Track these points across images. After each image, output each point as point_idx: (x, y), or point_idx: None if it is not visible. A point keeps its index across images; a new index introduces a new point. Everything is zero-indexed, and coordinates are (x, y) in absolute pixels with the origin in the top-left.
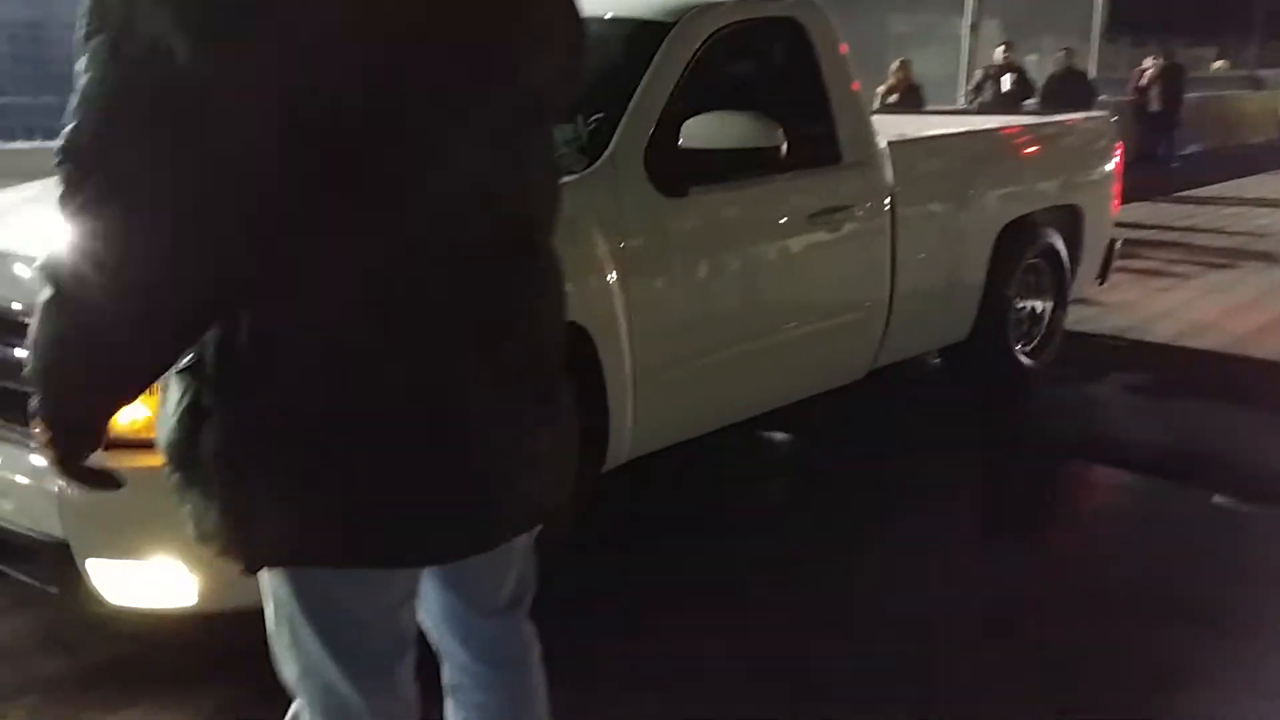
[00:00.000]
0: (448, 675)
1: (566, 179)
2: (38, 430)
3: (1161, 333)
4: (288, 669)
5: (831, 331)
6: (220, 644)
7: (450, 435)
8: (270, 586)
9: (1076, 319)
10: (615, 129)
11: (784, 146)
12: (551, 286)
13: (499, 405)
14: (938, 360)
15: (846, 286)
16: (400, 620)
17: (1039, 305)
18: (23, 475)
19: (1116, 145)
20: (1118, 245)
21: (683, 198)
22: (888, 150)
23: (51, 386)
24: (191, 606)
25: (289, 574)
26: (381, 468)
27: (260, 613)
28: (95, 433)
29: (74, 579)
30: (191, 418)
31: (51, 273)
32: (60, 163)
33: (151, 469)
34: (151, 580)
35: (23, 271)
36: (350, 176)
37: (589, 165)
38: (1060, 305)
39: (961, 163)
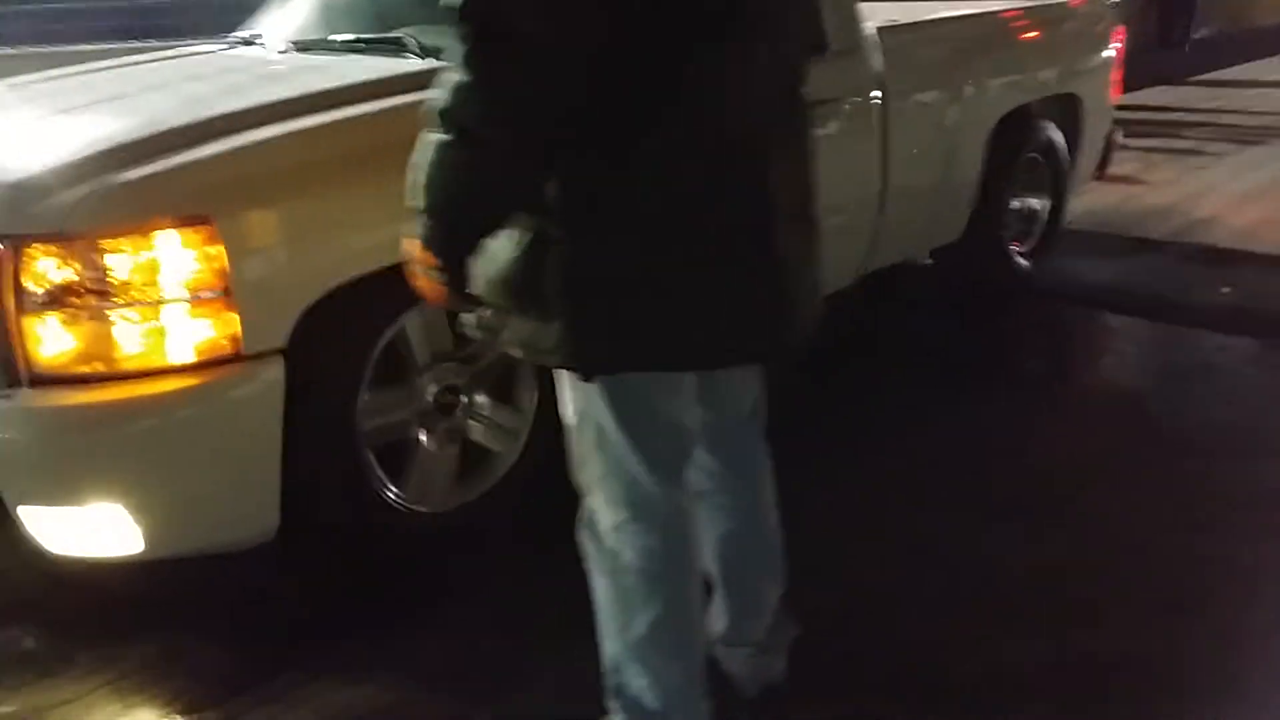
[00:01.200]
0: (696, 481)
1: None
2: (421, 262)
3: (1208, 207)
4: (589, 471)
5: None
6: (161, 589)
7: (760, 261)
8: (582, 398)
9: (1124, 197)
10: None
11: None
12: (808, 127)
13: (792, 237)
14: (929, 261)
15: (832, 187)
16: (689, 421)
17: (1036, 202)
18: None
19: (1116, 29)
20: (1117, 136)
21: None
22: (876, 37)
23: (448, 219)
24: (136, 554)
25: (609, 383)
26: (707, 288)
27: (203, 560)
28: (466, 263)
29: (9, 526)
30: (535, 249)
31: (450, 117)
32: (461, 19)
33: (86, 407)
34: (93, 528)
35: None
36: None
37: None
38: (1059, 202)
39: (955, 50)
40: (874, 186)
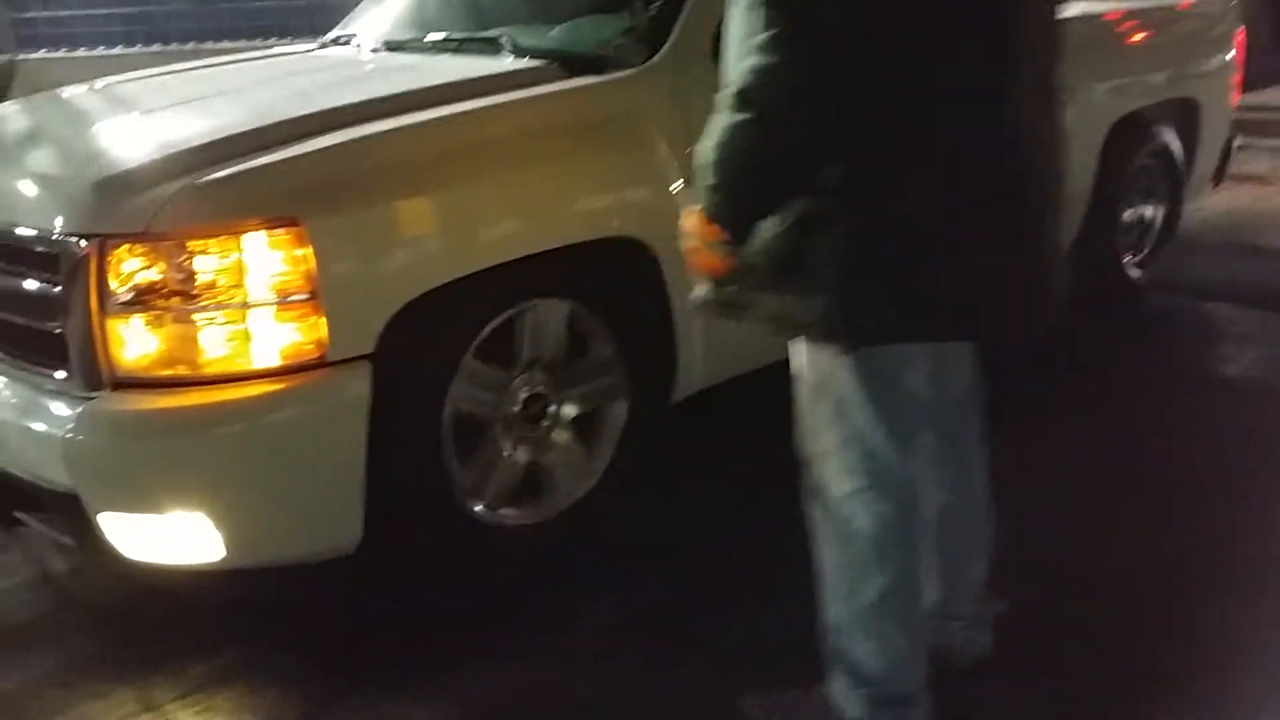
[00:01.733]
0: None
1: (622, 74)
2: (703, 235)
3: None
4: (823, 441)
5: None
6: (234, 597)
7: (1020, 244)
8: (824, 371)
9: (1255, 197)
10: (678, 15)
11: None
12: (1062, 119)
13: (1050, 222)
14: None
15: None
16: (924, 394)
17: (1150, 210)
18: (28, 420)
19: (1237, 31)
20: (1236, 144)
21: None
22: None
23: (738, 194)
24: (217, 563)
25: (860, 356)
26: (972, 265)
27: (277, 570)
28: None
29: (86, 532)
30: (803, 226)
31: (748, 97)
32: (767, 5)
33: (169, 411)
34: (173, 536)
35: (19, 187)
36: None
37: (648, 58)
38: (1174, 210)
39: (1066, 53)
40: None
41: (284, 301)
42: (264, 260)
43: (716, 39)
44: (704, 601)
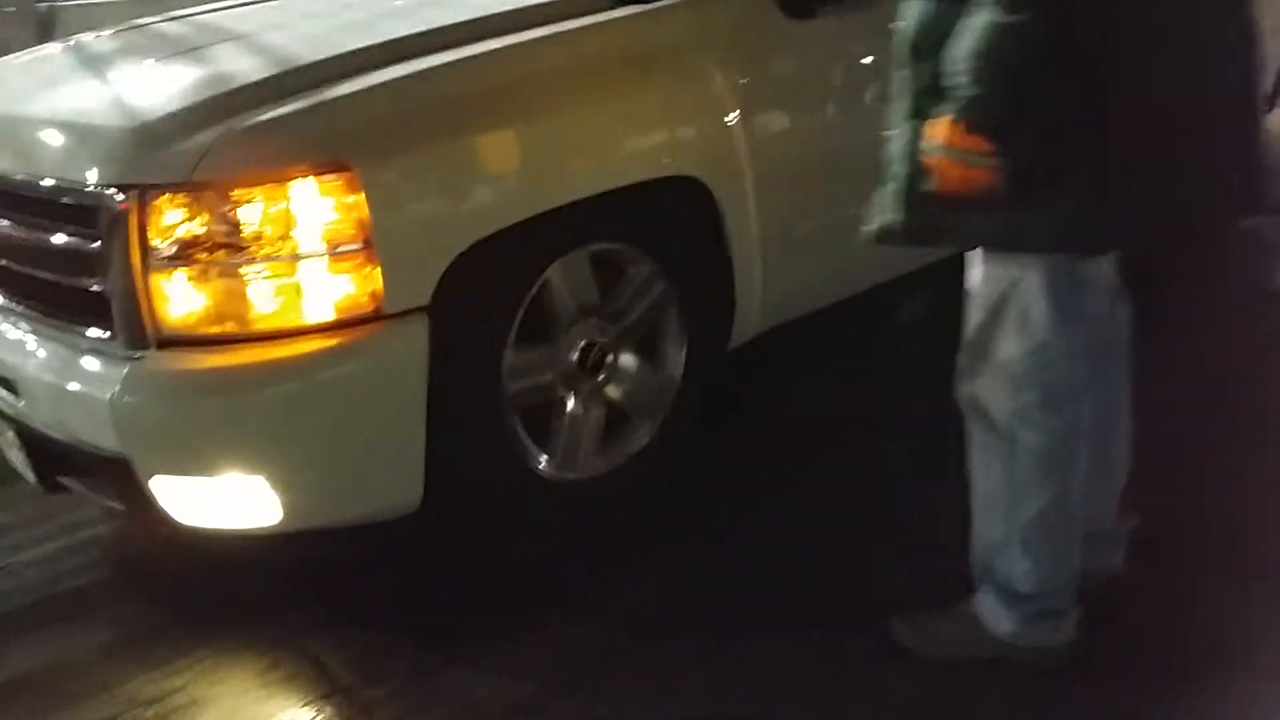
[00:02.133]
0: None
1: (659, 5)
2: (962, 146)
3: None
4: (1000, 354)
5: None
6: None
7: (1192, 165)
8: (1008, 283)
9: None
10: None
11: None
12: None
13: (1226, 139)
14: None
15: None
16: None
17: None
18: (71, 382)
19: None
20: None
21: (810, 19)
22: None
23: (1008, 100)
24: (274, 527)
25: (1054, 265)
26: (1156, 179)
27: (331, 532)
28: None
29: (135, 496)
30: (1004, 139)
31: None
32: None
33: (219, 370)
34: (229, 500)
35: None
36: None
37: None
38: None
39: None
40: None
41: (336, 252)
42: (314, 209)
43: None
44: (773, 561)
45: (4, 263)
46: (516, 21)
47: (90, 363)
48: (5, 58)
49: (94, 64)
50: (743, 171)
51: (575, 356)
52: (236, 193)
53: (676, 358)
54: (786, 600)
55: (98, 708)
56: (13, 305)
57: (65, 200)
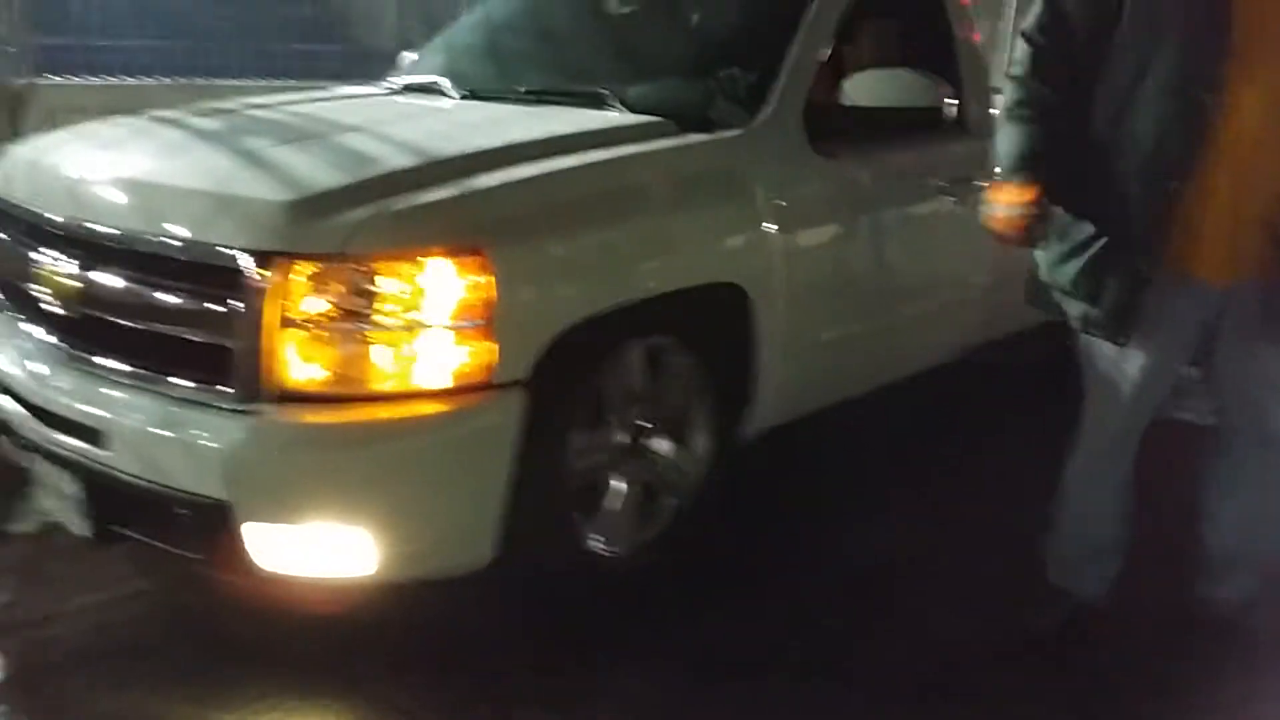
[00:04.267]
0: None
1: (731, 133)
2: (1006, 200)
3: None
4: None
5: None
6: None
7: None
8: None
9: None
10: (774, 82)
11: (946, 107)
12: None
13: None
14: None
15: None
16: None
17: None
18: (174, 430)
19: None
20: None
21: (836, 159)
22: None
23: (1016, 146)
24: (365, 576)
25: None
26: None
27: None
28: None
29: (221, 544)
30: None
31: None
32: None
33: (347, 427)
34: (326, 549)
35: (183, 203)
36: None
37: (749, 120)
38: None
39: None
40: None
41: (462, 326)
42: (448, 286)
43: (808, 105)
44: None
45: (105, 317)
46: (603, 139)
47: (199, 414)
48: (93, 124)
49: (208, 138)
50: (775, 280)
51: (624, 439)
52: (380, 266)
53: (704, 443)
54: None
55: None
56: (106, 359)
57: (203, 261)
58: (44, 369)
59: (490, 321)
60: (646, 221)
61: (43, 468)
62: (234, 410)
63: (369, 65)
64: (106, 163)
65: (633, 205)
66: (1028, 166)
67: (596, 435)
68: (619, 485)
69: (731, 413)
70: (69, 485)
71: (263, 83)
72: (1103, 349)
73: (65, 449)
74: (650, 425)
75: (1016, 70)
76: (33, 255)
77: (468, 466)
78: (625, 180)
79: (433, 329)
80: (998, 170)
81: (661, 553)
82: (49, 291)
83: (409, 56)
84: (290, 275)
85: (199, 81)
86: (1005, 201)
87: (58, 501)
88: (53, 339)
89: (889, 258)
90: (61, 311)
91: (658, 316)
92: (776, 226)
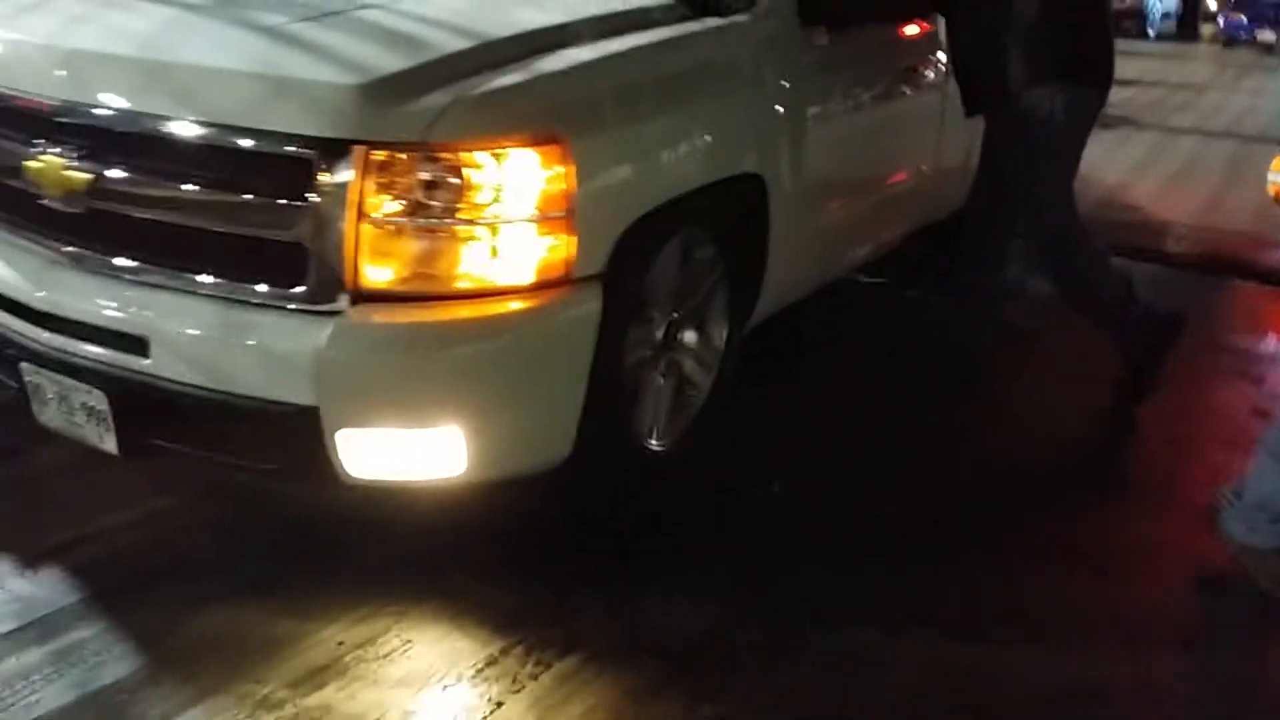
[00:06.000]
0: None
1: (742, 18)
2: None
3: None
4: None
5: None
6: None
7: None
8: None
9: None
10: None
11: None
12: None
13: None
14: None
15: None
16: None
17: None
18: (253, 336)
19: None
20: None
21: (834, 36)
22: None
23: None
24: (456, 477)
25: None
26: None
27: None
28: None
29: (303, 452)
30: None
31: None
32: None
33: (433, 326)
34: (417, 451)
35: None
36: None
37: (750, 5)
38: None
39: None
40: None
41: (543, 218)
42: (528, 177)
43: None
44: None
45: (139, 214)
46: (639, 21)
47: (269, 317)
48: None
49: (208, 10)
50: (785, 168)
51: (662, 333)
52: (463, 156)
53: (721, 332)
54: None
55: (310, 656)
56: (143, 262)
57: (263, 150)
58: (49, 272)
59: (570, 214)
60: (700, 108)
61: (42, 379)
62: (310, 312)
63: None
64: (110, 36)
65: (689, 91)
66: None
67: (643, 330)
68: (658, 379)
69: (745, 302)
70: (88, 397)
71: None
72: None
73: (83, 357)
74: (682, 319)
75: None
76: (26, 148)
77: (554, 362)
78: (680, 65)
79: (512, 223)
80: None
81: (692, 444)
82: (52, 188)
83: None
84: (368, 165)
85: None
86: None
87: (66, 415)
88: (61, 243)
89: (875, 140)
90: (70, 210)
91: (697, 208)
92: (783, 109)
